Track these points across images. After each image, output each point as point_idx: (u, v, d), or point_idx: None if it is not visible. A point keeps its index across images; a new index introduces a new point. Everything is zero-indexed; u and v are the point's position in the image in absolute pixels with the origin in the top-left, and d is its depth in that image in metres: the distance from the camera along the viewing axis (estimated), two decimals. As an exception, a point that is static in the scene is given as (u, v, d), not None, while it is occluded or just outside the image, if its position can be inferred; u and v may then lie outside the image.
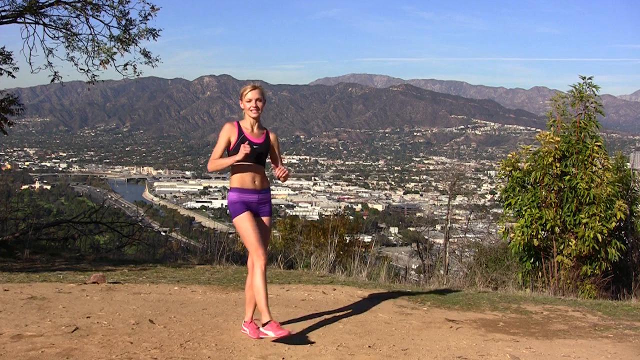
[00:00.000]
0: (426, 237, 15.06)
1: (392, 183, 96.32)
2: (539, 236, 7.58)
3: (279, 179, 4.14)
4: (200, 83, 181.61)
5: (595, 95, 8.04)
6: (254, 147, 4.07)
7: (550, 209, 7.62)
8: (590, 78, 8.05)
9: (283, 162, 4.37)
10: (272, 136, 4.24)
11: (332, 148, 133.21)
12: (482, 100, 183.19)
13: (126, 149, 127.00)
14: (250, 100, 4.11)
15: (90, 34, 8.60)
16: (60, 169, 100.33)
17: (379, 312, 5.12)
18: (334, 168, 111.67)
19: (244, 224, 4.04)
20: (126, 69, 8.77)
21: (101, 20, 8.52)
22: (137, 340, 3.87)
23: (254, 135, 4.13)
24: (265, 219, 4.21)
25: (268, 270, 7.07)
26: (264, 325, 3.93)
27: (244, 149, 3.95)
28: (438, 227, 22.38)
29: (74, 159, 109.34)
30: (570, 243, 7.49)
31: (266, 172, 4.33)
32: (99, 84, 9.26)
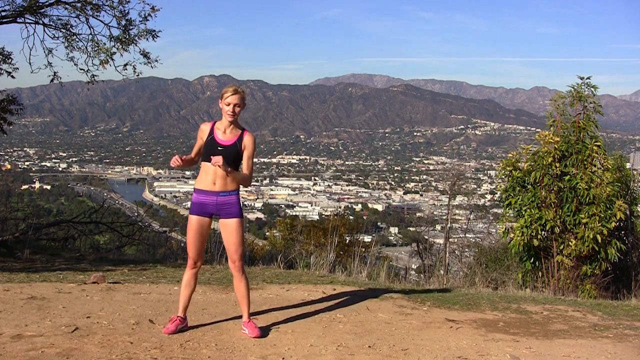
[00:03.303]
0: (426, 237, 15.04)
1: (392, 183, 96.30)
2: (538, 236, 7.58)
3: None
4: (200, 83, 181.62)
5: (594, 95, 8.03)
6: (218, 148, 4.05)
7: (549, 209, 7.62)
8: (588, 78, 8.04)
9: (251, 168, 4.21)
10: (246, 137, 4.13)
11: (332, 148, 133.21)
12: (482, 100, 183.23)
13: (126, 149, 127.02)
14: (228, 105, 4.07)
15: (90, 34, 8.61)
16: (60, 169, 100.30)
17: (379, 312, 5.12)
18: (334, 168, 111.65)
19: (189, 226, 4.15)
20: (126, 69, 8.77)
21: (101, 21, 8.52)
22: (137, 340, 3.87)
23: (224, 137, 4.10)
24: (229, 220, 4.11)
25: (268, 270, 7.11)
26: (171, 318, 4.16)
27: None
28: (438, 227, 22.37)
29: (74, 159, 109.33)
30: (570, 243, 7.49)
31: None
32: (98, 84, 9.26)
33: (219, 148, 4.05)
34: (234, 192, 4.14)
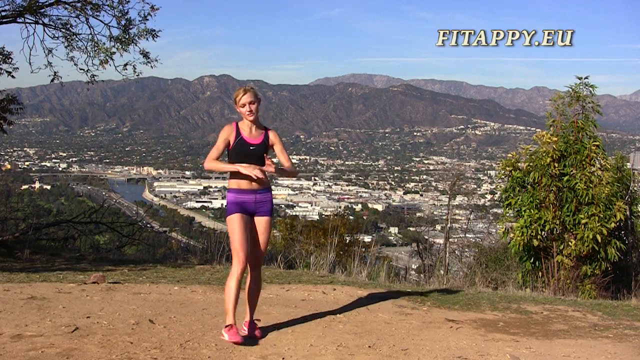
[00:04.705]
0: (426, 237, 15.04)
1: (392, 183, 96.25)
2: (538, 236, 7.58)
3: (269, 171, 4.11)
4: (200, 83, 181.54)
5: (592, 95, 8.03)
6: (250, 148, 4.09)
7: (549, 210, 7.61)
8: (586, 78, 8.04)
9: (290, 159, 4.30)
10: (271, 134, 4.20)
11: (332, 148, 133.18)
12: (482, 100, 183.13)
13: (126, 149, 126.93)
14: (244, 105, 4.10)
15: (90, 34, 8.61)
16: (60, 169, 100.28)
17: (379, 312, 5.12)
18: (334, 168, 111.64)
19: (232, 225, 4.06)
20: (126, 69, 8.77)
21: (101, 20, 8.52)
22: (137, 340, 3.87)
23: (251, 136, 4.14)
24: (264, 218, 4.18)
25: (268, 270, 7.11)
26: (225, 326, 3.99)
27: (253, 172, 3.96)
28: (438, 227, 22.37)
29: (74, 159, 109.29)
30: (570, 243, 7.49)
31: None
32: (99, 84, 9.26)
33: (250, 148, 4.09)
34: (269, 189, 4.21)
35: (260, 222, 4.17)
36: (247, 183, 4.11)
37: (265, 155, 4.14)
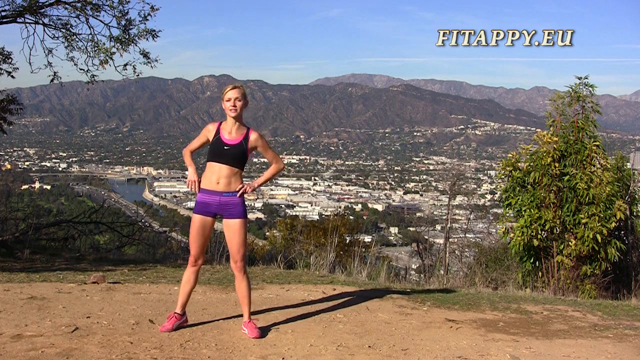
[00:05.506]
0: (426, 237, 15.07)
1: (392, 183, 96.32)
2: (538, 236, 7.58)
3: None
4: (200, 83, 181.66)
5: (592, 94, 8.04)
6: (224, 148, 4.08)
7: (549, 210, 7.62)
8: (586, 77, 8.06)
9: (275, 154, 4.33)
10: (252, 136, 4.14)
11: (332, 148, 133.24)
12: (482, 100, 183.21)
13: (126, 149, 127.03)
14: (229, 100, 4.09)
15: (90, 34, 8.61)
16: (60, 169, 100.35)
17: (379, 312, 5.12)
18: (334, 168, 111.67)
19: (192, 225, 4.18)
20: (126, 69, 8.78)
21: (101, 20, 8.53)
22: (137, 340, 3.87)
23: (230, 136, 4.11)
24: (232, 221, 4.11)
25: (268, 271, 7.12)
26: (169, 315, 4.22)
27: (193, 186, 4.17)
28: (438, 227, 22.39)
29: (74, 159, 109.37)
30: (570, 243, 7.49)
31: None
32: (98, 84, 9.27)
33: (225, 147, 4.08)
34: (237, 192, 4.14)
35: (229, 224, 4.13)
36: (212, 184, 4.10)
37: (272, 158, 4.24)
